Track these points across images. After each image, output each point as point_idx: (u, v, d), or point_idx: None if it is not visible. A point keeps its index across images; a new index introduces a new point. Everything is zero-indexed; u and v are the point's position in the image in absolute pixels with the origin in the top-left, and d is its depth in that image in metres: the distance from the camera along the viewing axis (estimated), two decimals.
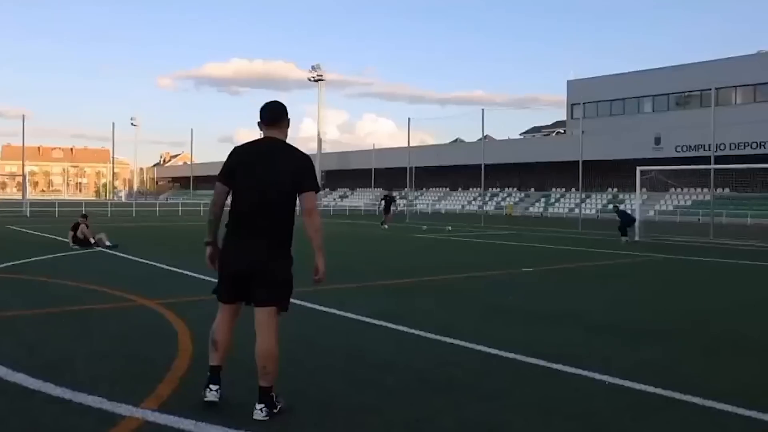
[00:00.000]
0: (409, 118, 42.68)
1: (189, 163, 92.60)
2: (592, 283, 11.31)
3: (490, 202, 64.54)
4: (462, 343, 5.85)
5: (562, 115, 71.50)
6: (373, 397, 4.31)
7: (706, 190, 45.23)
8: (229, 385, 4.12)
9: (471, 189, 69.40)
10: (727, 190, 51.91)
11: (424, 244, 20.06)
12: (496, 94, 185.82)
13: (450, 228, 27.96)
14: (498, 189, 68.40)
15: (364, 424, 3.81)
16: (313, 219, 3.85)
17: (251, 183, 3.82)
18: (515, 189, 67.87)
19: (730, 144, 47.33)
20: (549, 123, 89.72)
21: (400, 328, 6.47)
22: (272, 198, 3.80)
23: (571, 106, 63.12)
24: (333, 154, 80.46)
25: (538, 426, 3.86)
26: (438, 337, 6.06)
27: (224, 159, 4.03)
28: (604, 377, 4.85)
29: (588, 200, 58.69)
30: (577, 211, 38.32)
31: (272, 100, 4.03)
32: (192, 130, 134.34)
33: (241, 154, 3.97)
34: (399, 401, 4.23)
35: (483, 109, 39.80)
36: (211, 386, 3.93)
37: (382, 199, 29.86)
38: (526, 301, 8.77)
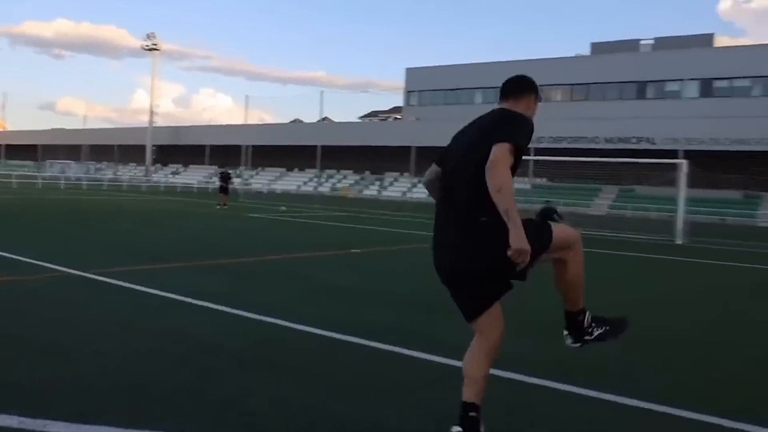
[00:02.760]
0: (247, 96, 41.71)
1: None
2: (418, 264, 11.77)
3: (326, 184, 65.03)
4: (284, 323, 5.88)
5: (399, 101, 73.49)
6: (189, 378, 4.22)
7: (526, 179, 48.56)
8: None
9: (308, 170, 69.52)
10: (544, 179, 56.12)
11: (257, 224, 19.84)
12: (336, 76, 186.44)
13: (284, 208, 27.86)
14: (335, 171, 69.06)
15: (178, 405, 3.72)
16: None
17: None
18: (351, 171, 68.90)
19: (549, 138, 51.14)
20: (387, 108, 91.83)
21: (223, 308, 6.37)
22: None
23: (408, 93, 65.05)
24: (166, 129, 77.05)
25: (351, 402, 3.97)
26: (261, 317, 6.04)
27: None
28: (425, 354, 5.09)
29: (420, 185, 60.95)
30: (409, 195, 39.68)
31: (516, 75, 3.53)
32: (5, 93, 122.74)
33: None
34: (215, 381, 4.18)
35: (322, 91, 40.09)
36: None
37: (218, 177, 28.97)
38: (353, 281, 8.96)
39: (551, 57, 58.03)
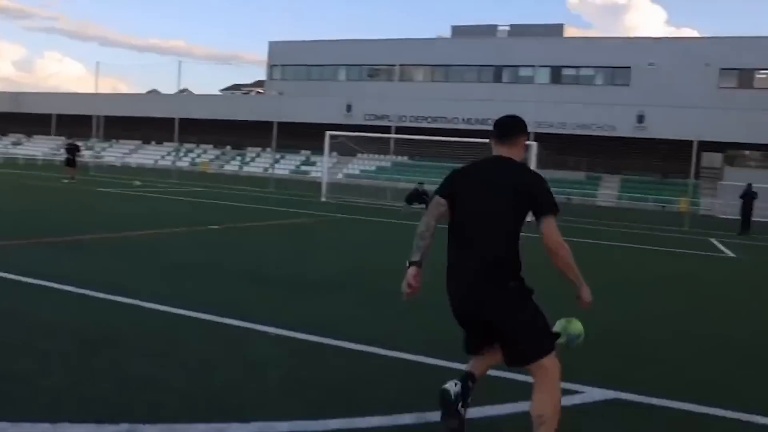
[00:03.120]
0: (98, 62, 39.22)
1: None
2: (273, 240, 11.75)
3: (185, 158, 62.78)
4: (131, 301, 5.70)
5: (262, 75, 72.11)
6: (27, 363, 4.00)
7: (387, 156, 49.45)
8: None
9: (166, 143, 66.72)
10: (406, 157, 57.40)
11: (107, 199, 18.86)
12: (197, 46, 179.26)
13: (139, 183, 26.65)
14: (194, 145, 66.77)
15: (13, 393, 3.53)
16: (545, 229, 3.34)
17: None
18: (212, 146, 66.91)
19: (410, 117, 52.28)
20: (250, 82, 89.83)
21: (66, 287, 6.05)
22: None
23: (271, 67, 63.93)
24: (4, 95, 70.96)
25: (197, 378, 3.95)
26: (106, 296, 5.81)
27: None
28: (270, 329, 5.13)
29: (282, 160, 60.36)
30: (271, 170, 39.20)
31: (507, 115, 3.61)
32: None
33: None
34: (57, 365, 4.00)
35: (180, 61, 38.42)
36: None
37: (64, 149, 27.09)
38: (206, 257, 8.79)
39: (414, 38, 59.15)
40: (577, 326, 3.50)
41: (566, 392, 4.15)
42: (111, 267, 7.57)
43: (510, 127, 3.50)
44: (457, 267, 3.32)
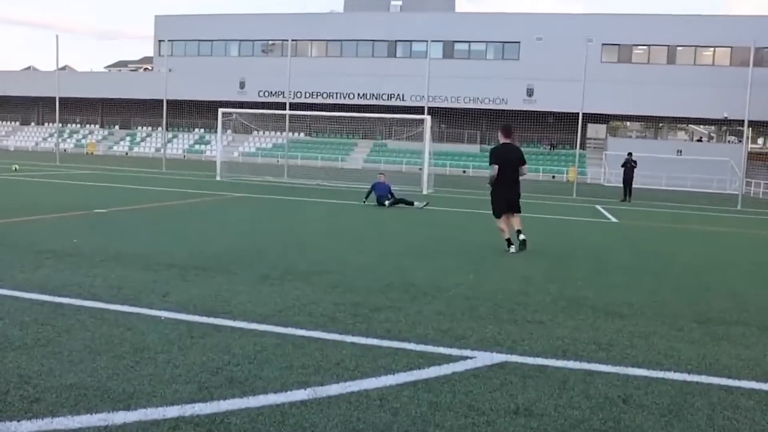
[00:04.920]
0: None
1: None
2: (161, 222, 11.36)
3: (69, 140, 59.57)
4: (6, 291, 5.35)
5: (149, 51, 69.14)
6: None
7: (283, 133, 48.80)
8: None
9: (47, 124, 63.02)
10: (302, 134, 56.86)
11: None
12: (76, 20, 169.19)
13: (17, 167, 25.04)
14: (78, 125, 63.43)
15: None
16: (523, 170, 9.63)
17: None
18: (98, 126, 63.78)
19: (305, 93, 51.73)
20: (137, 58, 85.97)
21: None
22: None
23: (159, 43, 61.37)
24: None
25: (79, 369, 3.75)
26: None
27: None
28: (161, 312, 4.96)
29: (175, 140, 58.38)
30: (163, 150, 37.82)
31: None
32: None
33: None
34: None
35: (57, 35, 36.11)
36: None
37: None
38: (92, 243, 8.36)
39: (307, 12, 58.40)
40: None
41: (459, 358, 4.26)
42: None
43: (511, 128, 9.66)
44: (504, 187, 9.51)
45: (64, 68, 63.80)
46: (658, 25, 50.21)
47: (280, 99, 46.57)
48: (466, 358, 4.28)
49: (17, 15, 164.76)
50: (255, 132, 55.66)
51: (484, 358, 4.29)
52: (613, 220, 16.27)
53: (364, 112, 35.79)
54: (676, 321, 5.57)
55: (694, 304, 6.33)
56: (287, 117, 30.28)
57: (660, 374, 4.15)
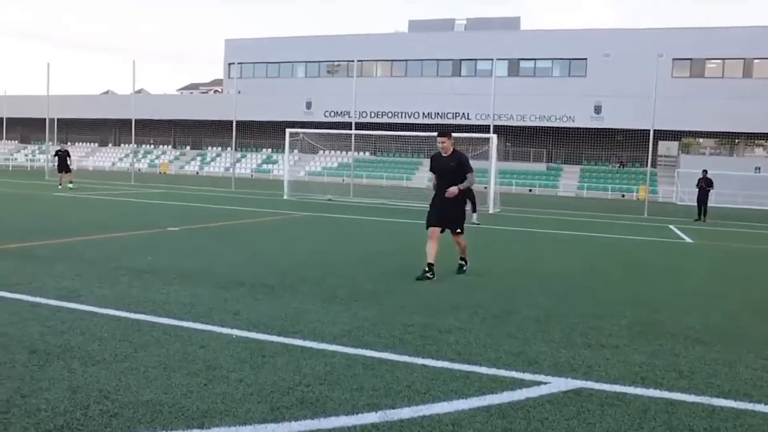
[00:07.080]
0: (48, 63, 38.23)
1: None
2: (230, 241, 11.56)
3: (143, 160, 61.77)
4: (86, 307, 5.52)
5: (220, 74, 71.19)
6: None
7: (349, 152, 49.27)
8: None
9: (123, 145, 65.57)
10: (367, 153, 57.32)
11: (65, 203, 18.39)
12: (151, 45, 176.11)
13: (71, 185, 26.04)
14: (152, 146, 65.75)
15: None
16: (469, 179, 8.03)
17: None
18: (170, 147, 65.93)
19: (371, 112, 52.17)
20: (208, 80, 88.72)
21: (16, 296, 5.83)
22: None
23: (229, 66, 63.18)
24: None
25: (155, 385, 3.82)
26: (59, 303, 5.61)
27: None
28: (232, 331, 5.01)
29: (243, 160, 59.79)
30: (232, 170, 38.74)
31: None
32: None
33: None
34: (4, 376, 3.82)
35: (134, 61, 37.62)
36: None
37: (54, 155, 26.14)
38: (165, 261, 8.58)
39: (371, 33, 59.10)
40: None
41: (532, 383, 4.14)
42: (67, 273, 7.29)
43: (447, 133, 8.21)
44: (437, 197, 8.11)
45: (139, 91, 66.45)
46: (732, 38, 48.60)
47: (345, 119, 47.14)
48: (540, 383, 4.16)
49: (97, 43, 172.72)
50: (321, 151, 56.41)
51: (558, 384, 4.16)
52: (688, 240, 15.70)
53: (429, 131, 35.80)
54: (763, 349, 5.28)
55: None
56: (353, 136, 30.58)
57: (749, 406, 3.92)
